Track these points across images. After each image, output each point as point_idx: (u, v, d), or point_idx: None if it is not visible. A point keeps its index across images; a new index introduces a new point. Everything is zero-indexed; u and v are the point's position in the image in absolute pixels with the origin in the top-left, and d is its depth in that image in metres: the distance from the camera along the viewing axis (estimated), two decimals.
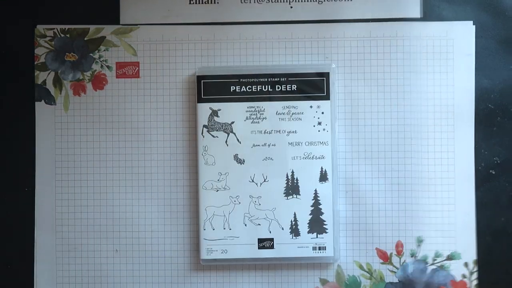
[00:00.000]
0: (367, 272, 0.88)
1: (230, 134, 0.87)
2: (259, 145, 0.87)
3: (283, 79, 0.87)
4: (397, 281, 0.88)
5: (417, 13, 0.89)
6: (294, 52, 0.89)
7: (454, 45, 0.89)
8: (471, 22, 0.89)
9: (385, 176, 0.88)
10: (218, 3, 0.89)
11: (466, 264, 0.89)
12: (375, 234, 0.88)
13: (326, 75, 0.87)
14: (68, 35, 0.89)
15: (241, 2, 0.89)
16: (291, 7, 0.89)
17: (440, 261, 0.89)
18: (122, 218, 0.89)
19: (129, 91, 0.89)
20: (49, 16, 0.90)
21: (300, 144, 0.87)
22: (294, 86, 0.87)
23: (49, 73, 0.89)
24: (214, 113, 0.87)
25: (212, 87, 0.87)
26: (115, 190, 0.89)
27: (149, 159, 0.89)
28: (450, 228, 0.89)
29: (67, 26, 0.89)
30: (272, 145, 0.87)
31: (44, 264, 0.89)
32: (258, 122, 0.87)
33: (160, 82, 0.89)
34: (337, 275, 0.88)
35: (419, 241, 0.88)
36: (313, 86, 0.87)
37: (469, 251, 0.89)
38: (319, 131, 0.87)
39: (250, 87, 0.87)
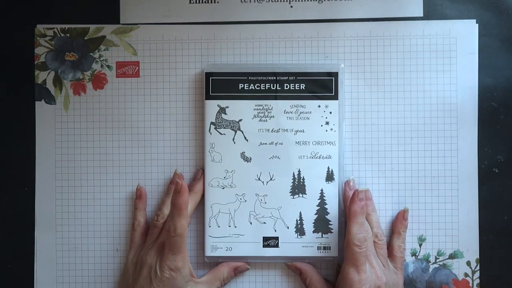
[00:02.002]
0: None
1: (238, 131, 0.87)
2: (266, 144, 0.87)
3: (292, 78, 0.86)
4: None
5: (419, 12, 0.89)
6: (294, 52, 0.89)
7: (457, 44, 0.89)
8: (474, 20, 0.89)
9: (385, 175, 0.88)
10: (218, 2, 0.89)
11: (468, 263, 0.88)
12: None
13: (334, 74, 0.86)
14: (68, 35, 0.89)
15: (241, 1, 0.89)
16: (291, 6, 0.89)
17: (443, 260, 0.88)
18: (122, 218, 0.89)
19: (129, 91, 0.89)
20: (49, 15, 0.90)
21: (307, 143, 0.87)
22: (302, 85, 0.86)
23: (49, 73, 0.89)
24: (222, 110, 0.87)
25: (221, 84, 0.87)
26: (115, 190, 0.89)
27: (149, 159, 0.89)
28: (453, 227, 0.88)
29: (67, 26, 0.90)
30: (279, 143, 0.87)
31: (44, 264, 0.89)
32: (266, 121, 0.87)
33: (160, 82, 0.89)
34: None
35: (421, 240, 0.88)
36: (322, 86, 0.86)
37: (471, 249, 0.89)
38: (326, 131, 0.86)
39: (259, 85, 0.87)
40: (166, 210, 0.86)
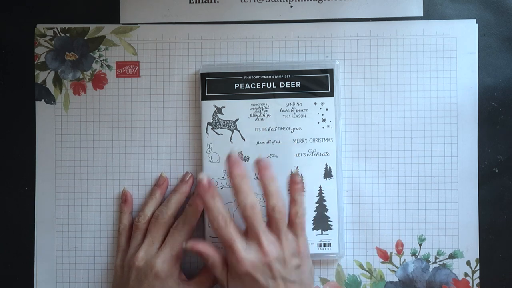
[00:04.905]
0: (367, 271, 0.88)
1: (235, 131, 0.87)
2: (263, 142, 0.87)
3: (287, 76, 0.86)
4: (397, 280, 0.88)
5: (419, 12, 0.89)
6: (294, 51, 0.89)
7: (457, 44, 0.89)
8: (474, 20, 0.89)
9: (385, 175, 0.88)
10: (218, 2, 0.89)
11: (468, 263, 0.88)
12: (375, 234, 0.88)
13: (330, 71, 0.86)
14: (68, 34, 0.89)
15: (241, 1, 0.89)
16: (291, 6, 0.89)
17: (443, 260, 0.88)
18: None
19: (129, 90, 0.89)
20: (49, 15, 0.90)
21: (305, 141, 0.87)
22: (298, 83, 0.86)
23: (49, 73, 0.89)
24: (218, 110, 0.87)
25: (216, 85, 0.87)
26: (115, 190, 0.89)
27: (149, 158, 0.89)
28: (453, 227, 0.88)
29: (67, 25, 0.89)
30: (277, 142, 0.87)
31: (44, 264, 0.89)
32: (263, 119, 0.87)
33: (160, 81, 0.89)
34: (337, 274, 0.88)
35: (421, 239, 0.88)
36: (317, 83, 0.86)
37: (471, 249, 0.88)
38: (323, 127, 0.86)
39: (254, 84, 0.87)
40: (148, 211, 0.86)
